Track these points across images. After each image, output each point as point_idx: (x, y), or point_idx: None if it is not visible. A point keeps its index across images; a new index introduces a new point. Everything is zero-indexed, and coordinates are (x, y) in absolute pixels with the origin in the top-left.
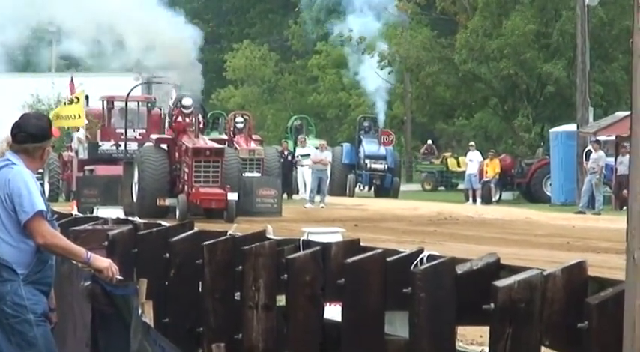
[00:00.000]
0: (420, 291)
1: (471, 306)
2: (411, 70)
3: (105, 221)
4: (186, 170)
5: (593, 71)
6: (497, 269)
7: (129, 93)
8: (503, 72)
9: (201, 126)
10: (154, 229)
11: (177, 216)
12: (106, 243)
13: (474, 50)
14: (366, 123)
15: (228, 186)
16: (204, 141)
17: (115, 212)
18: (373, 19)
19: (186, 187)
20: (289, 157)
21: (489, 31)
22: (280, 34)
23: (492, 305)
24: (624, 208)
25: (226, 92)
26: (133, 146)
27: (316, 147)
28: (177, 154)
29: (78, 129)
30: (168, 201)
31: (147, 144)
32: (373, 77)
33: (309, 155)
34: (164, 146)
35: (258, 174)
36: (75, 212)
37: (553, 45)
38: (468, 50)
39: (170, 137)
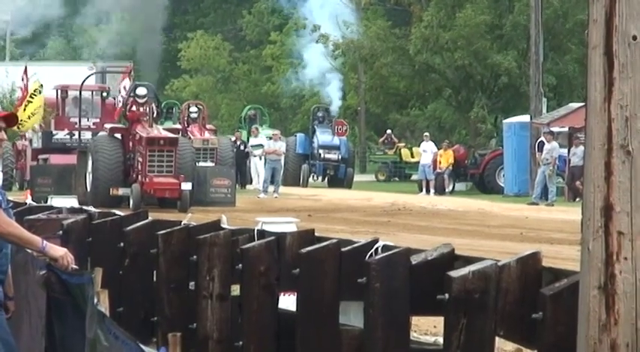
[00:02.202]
0: (375, 281)
1: (425, 297)
2: (365, 60)
3: (59, 210)
4: (140, 159)
5: (546, 63)
6: (451, 259)
7: (83, 83)
8: (457, 62)
9: (155, 115)
10: (109, 218)
11: (130, 206)
12: (61, 232)
13: (429, 41)
14: (319, 114)
15: (182, 176)
16: (159, 131)
17: (70, 201)
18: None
19: (140, 177)
20: (242, 147)
21: (444, 22)
22: (234, 24)
23: (447, 295)
24: (577, 199)
25: (180, 82)
26: (87, 135)
27: (269, 138)
28: (131, 144)
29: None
30: (121, 191)
31: (101, 133)
32: (326, 66)
33: (261, 145)
34: (118, 135)
35: (212, 164)
36: (29, 201)
37: (506, 36)
38: (423, 41)
39: (124, 127)
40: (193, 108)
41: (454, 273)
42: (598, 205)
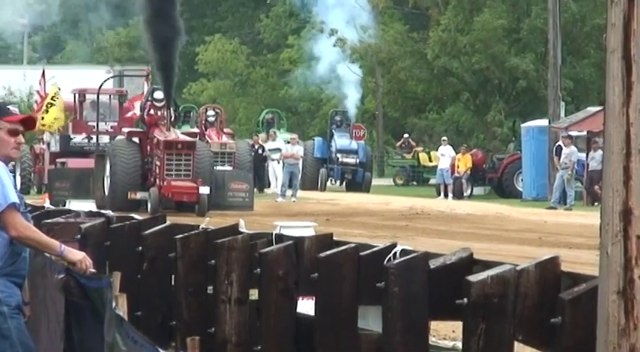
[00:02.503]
0: (394, 286)
1: (444, 301)
2: (382, 64)
3: (77, 214)
4: (158, 163)
5: (564, 66)
6: (470, 264)
7: (101, 86)
8: (475, 66)
9: (172, 119)
10: (127, 222)
11: (148, 209)
12: (79, 235)
13: (446, 45)
14: (337, 118)
15: (200, 180)
16: (176, 135)
17: (88, 205)
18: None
19: (157, 180)
20: (260, 151)
21: (461, 25)
22: (252, 28)
23: (465, 300)
24: (596, 204)
25: (198, 85)
26: (104, 139)
27: (287, 142)
28: (148, 148)
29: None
30: (139, 195)
31: (119, 137)
32: (344, 70)
33: (279, 149)
34: (136, 139)
35: (230, 168)
36: (47, 204)
37: (524, 39)
38: (440, 45)
39: (142, 130)
40: (211, 112)
41: (473, 278)
42: (617, 209)
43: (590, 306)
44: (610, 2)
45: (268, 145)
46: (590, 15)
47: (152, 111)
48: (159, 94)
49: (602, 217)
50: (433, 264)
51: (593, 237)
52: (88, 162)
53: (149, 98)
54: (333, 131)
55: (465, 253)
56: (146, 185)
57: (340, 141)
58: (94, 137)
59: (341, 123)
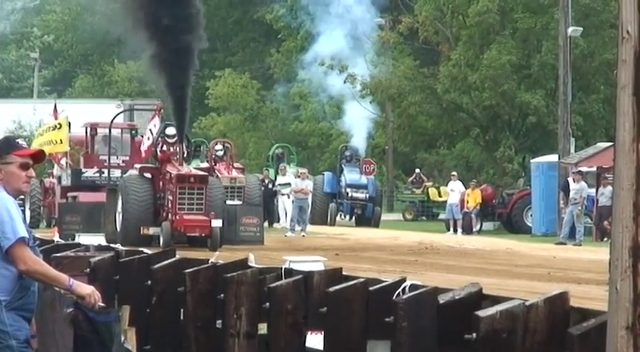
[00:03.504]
0: (403, 320)
1: (453, 336)
2: (392, 99)
3: (86, 248)
4: (170, 198)
5: (573, 102)
6: (479, 299)
7: (112, 120)
8: (485, 102)
9: (185, 155)
10: (136, 256)
11: (161, 244)
12: (88, 269)
13: (457, 80)
14: (347, 153)
15: (213, 213)
16: (189, 169)
17: (97, 239)
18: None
19: (170, 215)
20: (270, 185)
21: (471, 61)
22: (262, 62)
23: (474, 335)
24: (605, 239)
25: (208, 120)
26: (116, 173)
27: (297, 176)
28: (161, 183)
29: (63, 156)
30: (152, 230)
31: (131, 172)
32: (354, 106)
33: (289, 184)
34: (148, 175)
35: (240, 202)
36: (57, 238)
37: (534, 75)
38: (451, 80)
39: (154, 166)
40: (220, 146)
41: (482, 313)
42: (626, 245)
43: (599, 342)
44: (621, 39)
45: (278, 180)
46: (598, 51)
47: (164, 148)
48: (171, 130)
49: (612, 253)
50: (442, 298)
51: (602, 273)
52: (100, 196)
53: (161, 134)
54: (343, 166)
55: (474, 288)
56: (158, 220)
57: (350, 175)
58: (106, 171)
59: (351, 158)
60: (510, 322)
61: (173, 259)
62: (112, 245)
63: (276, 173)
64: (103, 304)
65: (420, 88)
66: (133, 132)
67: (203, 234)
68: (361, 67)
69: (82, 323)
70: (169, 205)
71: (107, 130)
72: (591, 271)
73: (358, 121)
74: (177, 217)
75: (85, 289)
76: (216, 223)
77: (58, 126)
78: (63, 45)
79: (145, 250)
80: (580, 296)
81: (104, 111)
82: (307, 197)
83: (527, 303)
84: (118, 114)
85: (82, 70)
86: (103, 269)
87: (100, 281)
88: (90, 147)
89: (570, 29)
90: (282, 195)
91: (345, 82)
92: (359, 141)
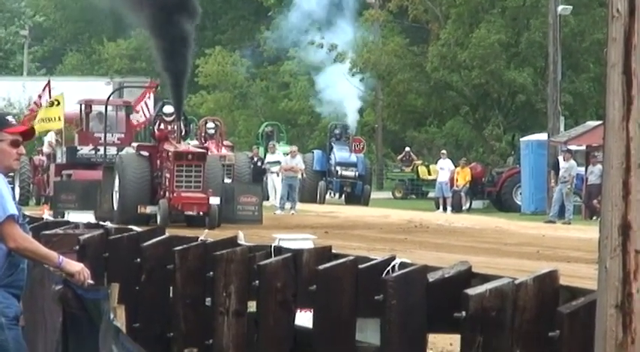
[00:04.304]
0: (392, 299)
1: (442, 314)
2: (382, 77)
3: (76, 225)
4: (168, 175)
5: (563, 81)
6: (468, 277)
7: (109, 97)
8: (474, 81)
9: (183, 133)
10: (125, 234)
11: (158, 222)
12: (77, 247)
13: (446, 59)
14: (337, 131)
15: (211, 190)
16: (187, 147)
17: (86, 216)
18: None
19: (167, 193)
20: (259, 163)
21: (461, 40)
22: (252, 40)
23: (463, 313)
24: (594, 218)
25: (198, 98)
26: (111, 151)
27: (286, 154)
28: (158, 162)
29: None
30: (149, 209)
31: (128, 150)
32: (344, 84)
33: (279, 162)
34: (145, 153)
35: (229, 181)
36: (46, 216)
37: (522, 54)
38: (440, 59)
39: (151, 144)
40: (210, 125)
41: (471, 291)
42: (616, 224)
43: (588, 320)
44: (611, 17)
45: (268, 158)
46: (589, 30)
47: (162, 126)
48: (169, 109)
49: (601, 231)
50: (431, 277)
51: (591, 251)
52: (95, 174)
53: (159, 112)
54: (333, 144)
55: (464, 266)
56: (155, 199)
57: (339, 153)
58: (101, 148)
59: (340, 136)
60: (500, 300)
61: (162, 237)
62: (102, 222)
63: (266, 151)
64: (92, 281)
65: (410, 66)
66: (129, 109)
67: (201, 212)
68: (350, 45)
69: (71, 300)
70: (167, 183)
71: (101, 107)
72: (580, 249)
73: (348, 99)
74: (175, 195)
75: (75, 266)
76: (214, 200)
77: (56, 102)
78: (53, 23)
79: (135, 228)
80: (569, 274)
81: (94, 88)
82: (297, 175)
83: (516, 282)
84: (114, 90)
85: (71, 48)
86: (93, 247)
87: (90, 258)
88: (84, 124)
89: (560, 7)
90: (272, 173)
91: (334, 60)
92: (349, 119)
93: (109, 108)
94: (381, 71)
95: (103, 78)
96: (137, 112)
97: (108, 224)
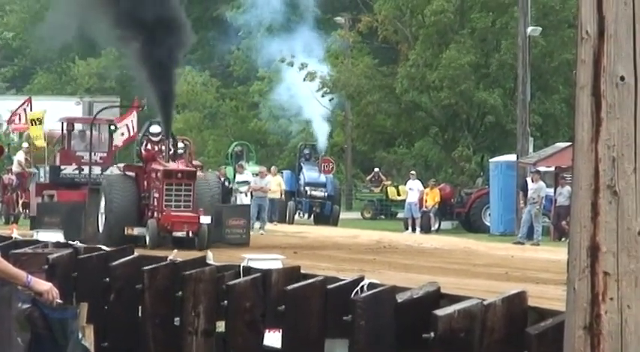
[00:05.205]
0: (361, 319)
1: (411, 335)
2: (351, 97)
3: (45, 244)
4: (157, 195)
5: (532, 102)
6: (437, 298)
7: (95, 116)
8: (443, 101)
9: (171, 152)
10: (94, 253)
11: (147, 243)
12: (46, 266)
13: (415, 80)
14: (306, 151)
15: (201, 209)
16: (176, 165)
17: (55, 235)
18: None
19: (155, 213)
20: (227, 183)
21: (430, 61)
22: (222, 60)
23: (432, 334)
24: (563, 239)
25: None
26: (95, 170)
27: (256, 174)
28: (146, 183)
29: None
30: (136, 231)
31: (112, 170)
32: (313, 103)
33: (247, 182)
34: (131, 174)
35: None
36: (15, 235)
37: (492, 75)
38: (409, 80)
39: (138, 165)
40: (180, 144)
41: (440, 312)
42: (584, 245)
43: (556, 341)
44: (580, 39)
45: (237, 178)
46: (557, 50)
47: (149, 146)
48: (155, 128)
49: (570, 253)
50: (400, 297)
51: (560, 273)
52: (78, 195)
53: (145, 133)
54: (302, 164)
55: (433, 287)
56: (143, 221)
57: (309, 174)
58: (84, 168)
59: (310, 156)
60: (468, 321)
61: (131, 256)
62: (71, 242)
63: (234, 171)
64: (60, 301)
65: (379, 86)
66: (112, 128)
67: (191, 232)
68: (321, 66)
69: (37, 320)
70: (155, 203)
71: (82, 126)
72: (549, 271)
73: (317, 119)
74: (164, 214)
75: (43, 286)
76: (205, 220)
77: (37, 122)
78: (22, 42)
79: (104, 247)
80: (538, 295)
81: (63, 107)
82: (266, 195)
83: (485, 303)
84: (101, 109)
85: (41, 67)
86: (62, 266)
87: (58, 277)
88: (66, 142)
89: (529, 29)
90: (240, 193)
91: (304, 79)
92: (319, 139)
93: (89, 126)
94: (350, 92)
95: (72, 97)
96: (119, 129)
97: (77, 243)
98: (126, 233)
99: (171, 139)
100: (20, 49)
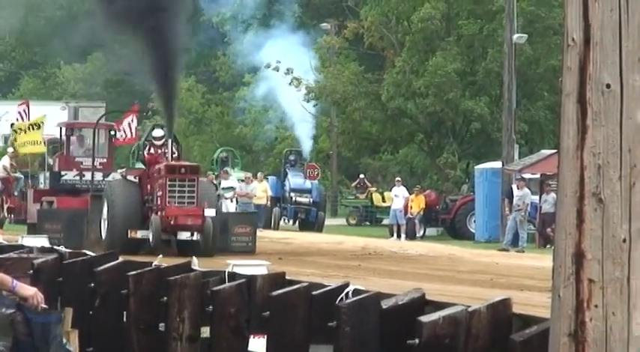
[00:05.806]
0: (345, 325)
1: (395, 341)
2: (337, 104)
3: (30, 249)
4: (160, 193)
5: (518, 109)
6: (422, 304)
7: (98, 121)
8: (429, 108)
9: (175, 155)
10: (79, 258)
11: (151, 243)
12: (31, 271)
13: (401, 87)
14: (291, 157)
15: (205, 202)
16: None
17: (41, 241)
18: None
19: (159, 211)
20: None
21: (416, 67)
22: (208, 66)
23: (417, 340)
24: (548, 246)
25: (153, 122)
26: (96, 176)
27: (241, 180)
28: (149, 186)
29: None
30: (140, 233)
31: (114, 176)
32: (299, 109)
33: (232, 188)
34: (134, 178)
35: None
36: (0, 239)
37: (479, 82)
38: (395, 87)
39: (141, 169)
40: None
41: (425, 318)
42: (569, 252)
43: (541, 348)
44: (566, 46)
45: (222, 184)
46: (543, 57)
47: (152, 150)
48: (158, 132)
49: (555, 260)
50: (385, 304)
51: (544, 280)
52: (79, 202)
53: (148, 137)
54: (287, 170)
55: (417, 294)
56: (146, 224)
57: (294, 180)
58: (85, 174)
59: (295, 162)
60: (453, 328)
61: (116, 261)
62: (56, 247)
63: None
64: (45, 305)
65: (365, 93)
66: (112, 132)
67: (196, 233)
68: (307, 72)
69: (19, 325)
70: (159, 202)
71: (82, 131)
72: (534, 278)
73: (302, 125)
74: (168, 208)
75: (28, 290)
76: (210, 212)
77: (36, 127)
78: (7, 47)
79: (89, 252)
80: (522, 302)
81: (49, 112)
82: (252, 201)
83: (469, 309)
84: (103, 114)
85: (27, 72)
86: (46, 271)
87: (43, 282)
88: (65, 148)
89: (515, 36)
90: (226, 199)
91: (290, 84)
92: (304, 146)
93: (89, 131)
94: (336, 98)
95: (58, 102)
96: (119, 131)
97: (62, 248)
98: (129, 236)
99: (174, 142)
100: (6, 54)
